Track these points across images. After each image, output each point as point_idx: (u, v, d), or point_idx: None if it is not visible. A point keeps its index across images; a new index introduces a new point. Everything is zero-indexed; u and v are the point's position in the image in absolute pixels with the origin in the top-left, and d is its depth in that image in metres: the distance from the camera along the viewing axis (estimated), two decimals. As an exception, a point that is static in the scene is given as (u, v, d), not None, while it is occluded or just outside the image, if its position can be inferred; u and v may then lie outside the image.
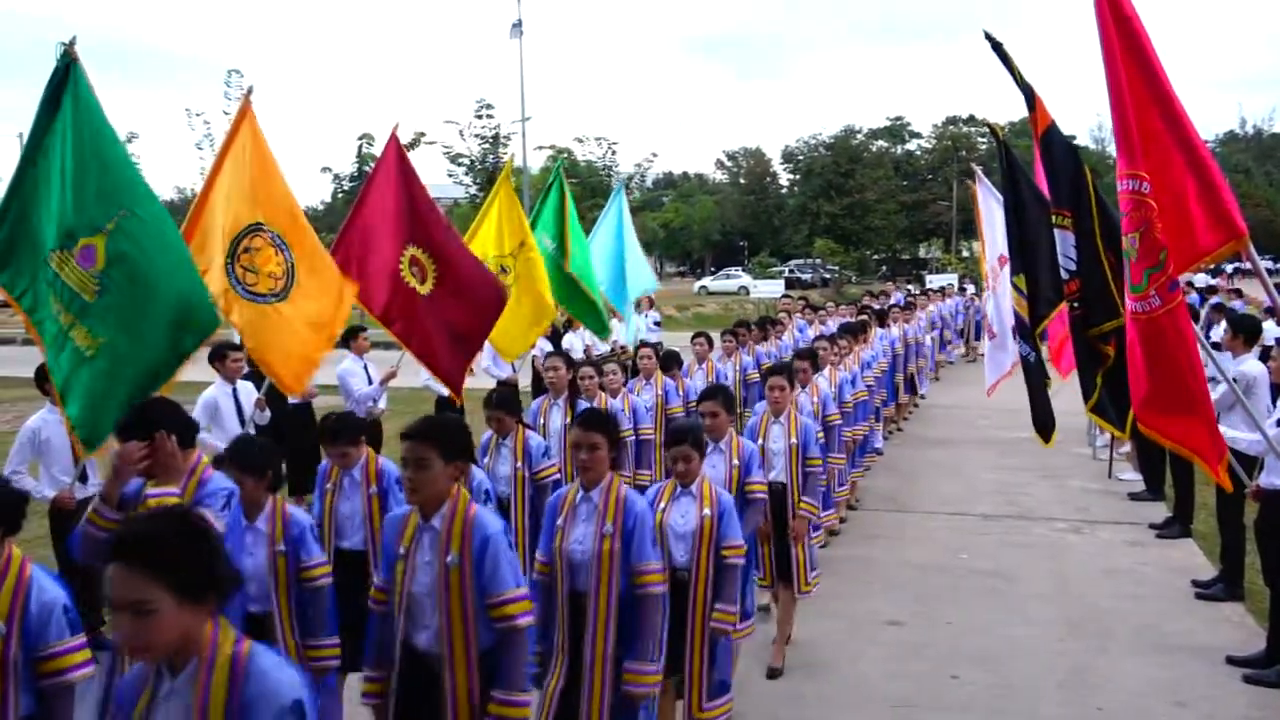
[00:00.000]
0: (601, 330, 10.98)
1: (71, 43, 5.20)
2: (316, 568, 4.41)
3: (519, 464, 6.02)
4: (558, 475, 6.22)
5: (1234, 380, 6.05)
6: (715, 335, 10.76)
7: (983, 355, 20.20)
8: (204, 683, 2.19)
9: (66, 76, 5.17)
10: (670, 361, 8.94)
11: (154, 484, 3.87)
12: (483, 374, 10.90)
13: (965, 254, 54.58)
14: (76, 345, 5.06)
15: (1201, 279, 19.38)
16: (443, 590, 3.47)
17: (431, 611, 3.51)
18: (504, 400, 6.20)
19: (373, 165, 7.43)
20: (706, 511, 4.57)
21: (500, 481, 5.96)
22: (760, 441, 6.13)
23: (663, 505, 4.64)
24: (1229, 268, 21.38)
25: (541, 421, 7.07)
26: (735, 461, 5.35)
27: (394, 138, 7.32)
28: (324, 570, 4.45)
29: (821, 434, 6.60)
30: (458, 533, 3.49)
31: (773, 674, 5.91)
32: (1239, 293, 18.16)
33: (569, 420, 6.74)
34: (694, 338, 10.38)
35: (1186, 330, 4.68)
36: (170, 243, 5.44)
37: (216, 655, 2.22)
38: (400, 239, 7.09)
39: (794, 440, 6.14)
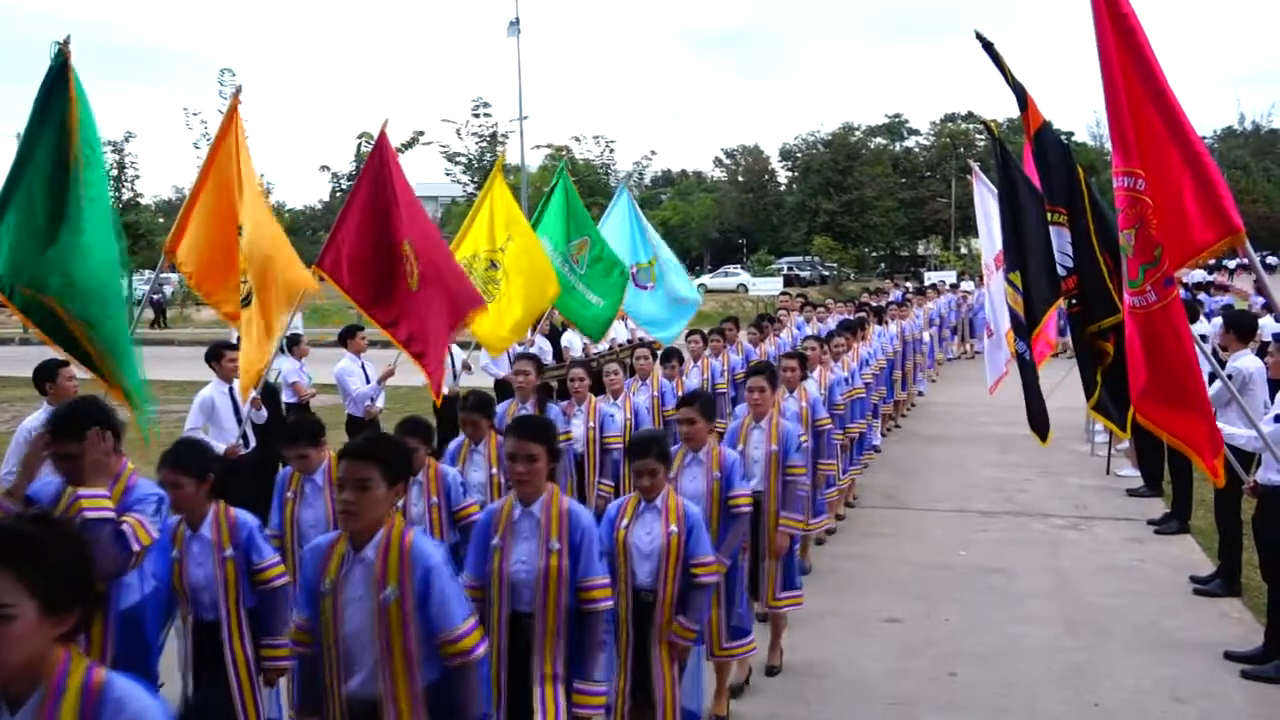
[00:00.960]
0: (594, 333, 10.89)
1: (65, 41, 5.19)
2: (270, 568, 4.24)
3: (494, 470, 5.75)
4: None
5: (1229, 376, 6.05)
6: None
7: (979, 353, 20.37)
8: (49, 716, 1.93)
9: (60, 75, 5.17)
10: (671, 356, 8.85)
11: (85, 485, 3.60)
12: (481, 372, 10.90)
13: (964, 251, 54.58)
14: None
15: (1199, 275, 19.34)
16: (380, 628, 3.17)
17: (366, 652, 3.20)
18: (481, 402, 5.98)
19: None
20: (673, 528, 4.28)
21: (474, 490, 5.64)
22: (740, 448, 5.85)
23: (625, 522, 4.33)
24: (1231, 264, 21.36)
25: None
26: (716, 473, 5.02)
27: (382, 134, 7.28)
28: (278, 570, 4.27)
29: (807, 438, 6.37)
30: (395, 564, 3.16)
31: (771, 671, 5.84)
32: (1223, 287, 18.18)
33: None
34: (688, 336, 10.22)
35: (1182, 326, 4.68)
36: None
37: (66, 685, 1.96)
38: (394, 236, 7.03)
39: (775, 447, 5.79)
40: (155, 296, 36.92)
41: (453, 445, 6.05)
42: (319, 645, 3.28)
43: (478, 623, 3.30)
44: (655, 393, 8.40)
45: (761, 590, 5.74)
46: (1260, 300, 17.17)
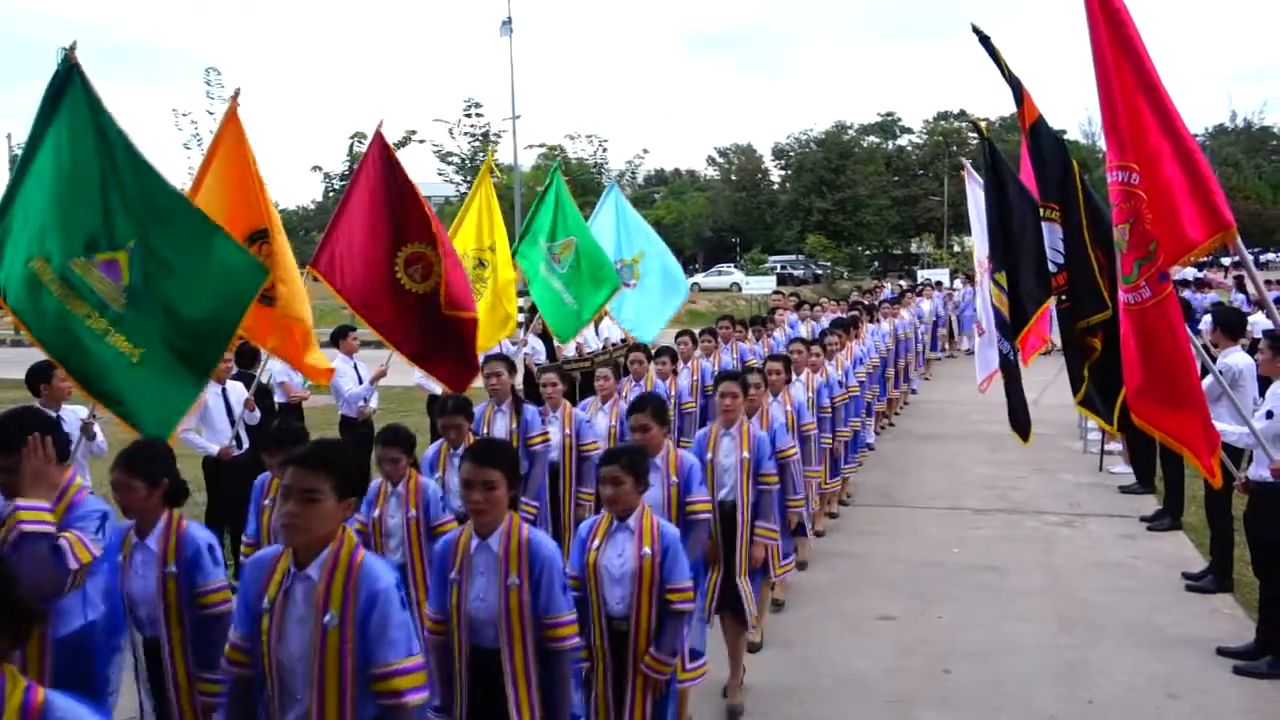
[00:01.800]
0: (562, 333, 10.77)
1: (72, 47, 5.19)
2: (214, 593, 3.88)
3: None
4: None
5: (1220, 373, 6.06)
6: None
7: (965, 351, 20.49)
8: None
9: (68, 81, 5.16)
10: (663, 354, 8.70)
11: (24, 497, 3.41)
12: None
13: (957, 249, 54.66)
14: (120, 350, 5.24)
15: (1190, 273, 19.43)
16: (317, 657, 2.85)
17: (304, 683, 2.89)
18: (462, 404, 5.82)
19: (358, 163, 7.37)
20: (646, 550, 3.95)
21: (454, 495, 5.35)
22: (709, 456, 5.51)
23: (596, 544, 4.01)
24: (1226, 261, 21.47)
25: (485, 430, 6.47)
26: (674, 478, 4.74)
27: (379, 134, 7.26)
28: (222, 596, 3.88)
29: (794, 449, 6.13)
30: (339, 586, 2.86)
31: (733, 714, 5.40)
32: (1206, 283, 18.29)
33: (515, 426, 6.41)
34: (678, 337, 9.96)
35: (1176, 322, 4.68)
36: (196, 252, 5.46)
37: (3, 705, 1.87)
38: (391, 237, 6.99)
39: (745, 454, 5.45)
40: None
41: (429, 452, 5.88)
42: (257, 667, 3.00)
43: (424, 664, 2.97)
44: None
45: (748, 611, 5.45)
46: (1241, 296, 17.31)
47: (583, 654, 3.87)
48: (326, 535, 2.93)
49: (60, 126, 5.17)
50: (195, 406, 5.57)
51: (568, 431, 6.84)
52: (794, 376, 7.67)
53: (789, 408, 6.92)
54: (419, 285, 6.99)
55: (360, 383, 9.14)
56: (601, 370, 7.63)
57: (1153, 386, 4.76)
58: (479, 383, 6.94)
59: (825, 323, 12.12)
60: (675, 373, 8.73)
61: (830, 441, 8.20)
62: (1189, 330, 5.97)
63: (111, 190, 5.20)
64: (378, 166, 7.14)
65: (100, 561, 3.70)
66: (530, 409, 6.54)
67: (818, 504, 8.36)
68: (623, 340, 14.12)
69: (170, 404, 5.36)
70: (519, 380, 12.80)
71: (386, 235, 7.01)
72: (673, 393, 8.38)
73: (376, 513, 4.97)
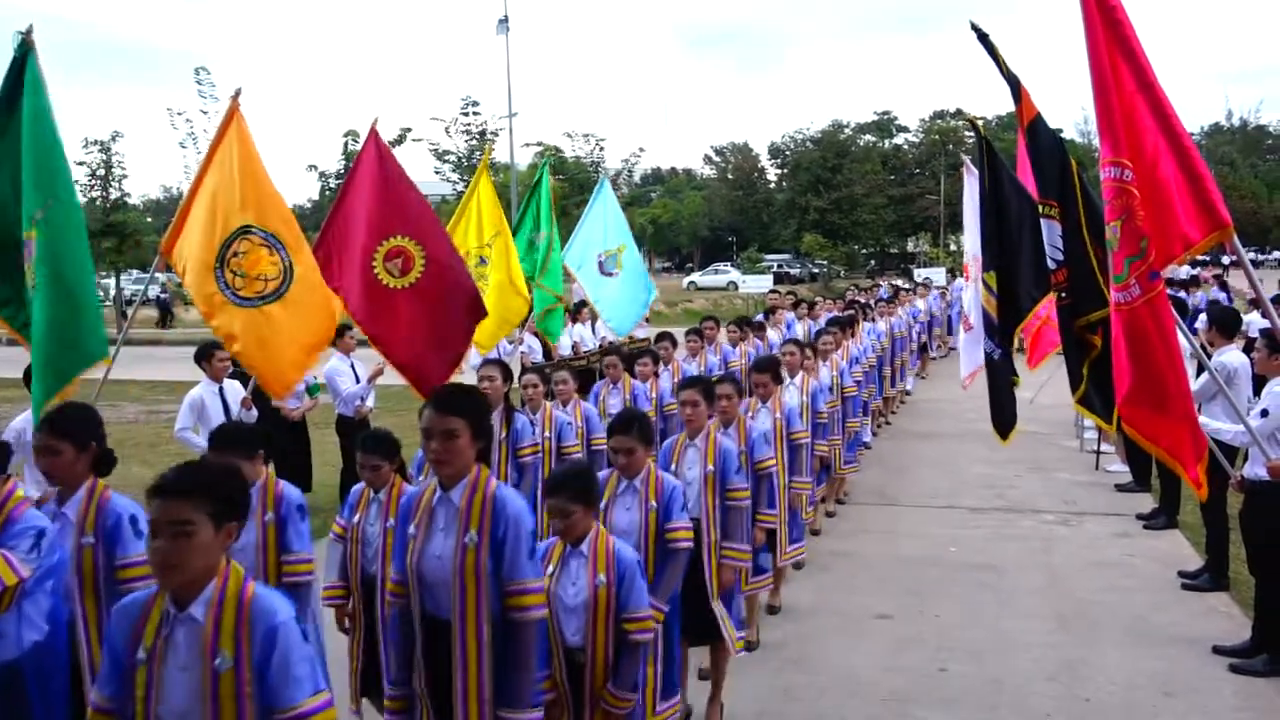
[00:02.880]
0: (552, 333, 10.86)
1: (28, 31, 5.11)
2: (134, 566, 3.59)
3: None
4: None
5: (1215, 371, 6.07)
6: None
7: (953, 349, 20.53)
8: None
9: (24, 65, 5.11)
10: (644, 354, 8.54)
11: None
12: (471, 371, 10.86)
13: (953, 248, 54.69)
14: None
15: (1184, 271, 19.47)
16: (209, 707, 2.53)
17: None
18: (383, 442, 5.30)
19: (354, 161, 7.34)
20: (601, 578, 3.70)
21: (369, 545, 4.97)
22: (672, 468, 5.14)
23: (550, 570, 3.75)
24: (1225, 259, 21.52)
25: None
26: (653, 502, 4.35)
27: (373, 131, 7.23)
28: (143, 571, 3.50)
29: (772, 460, 5.80)
30: (230, 624, 2.54)
31: None
32: (1223, 282, 18.34)
33: (504, 436, 6.09)
34: (657, 339, 9.67)
35: (1167, 321, 4.66)
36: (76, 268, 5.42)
37: None
38: (373, 233, 6.86)
39: (710, 467, 5.06)
40: (163, 296, 36.77)
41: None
42: None
43: (331, 701, 2.66)
44: (628, 396, 8.07)
45: (727, 637, 5.04)
46: (1223, 295, 17.41)
47: (544, 684, 3.67)
48: (207, 570, 2.57)
49: (18, 113, 5.12)
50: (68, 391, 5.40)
51: (548, 434, 6.65)
52: (788, 380, 7.43)
53: (778, 415, 6.57)
54: (397, 280, 6.85)
55: (357, 382, 9.13)
56: (560, 374, 7.36)
57: (1141, 391, 4.73)
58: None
59: (823, 322, 12.08)
60: (656, 375, 8.48)
61: (825, 449, 7.89)
62: (1184, 329, 5.99)
63: (29, 163, 5.15)
64: (371, 165, 7.10)
65: (41, 581, 3.48)
66: (521, 418, 6.35)
67: (811, 515, 8.08)
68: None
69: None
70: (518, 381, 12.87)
71: (370, 231, 6.90)
72: (653, 395, 8.18)
73: (357, 518, 4.75)
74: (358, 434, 5.52)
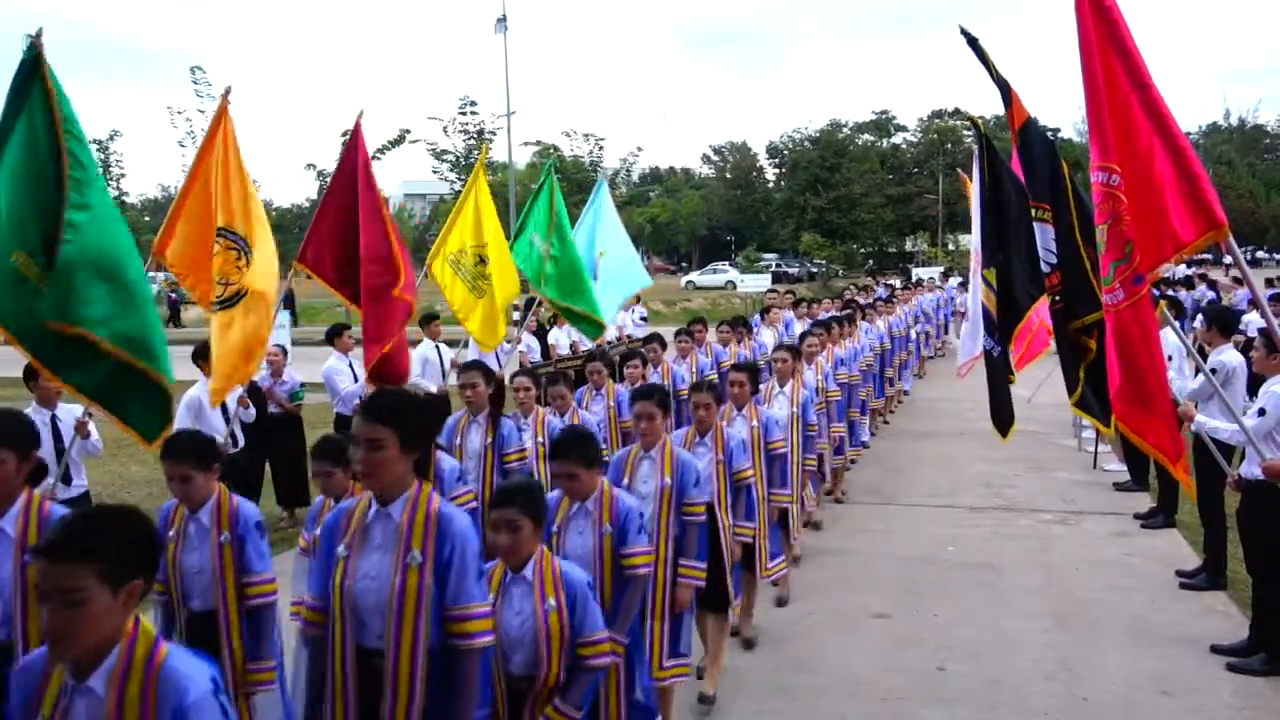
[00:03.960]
0: (592, 331, 10.80)
1: (38, 35, 5.07)
2: None
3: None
4: (475, 503, 5.31)
5: (1212, 371, 6.08)
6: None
7: (946, 343, 20.64)
8: None
9: (34, 69, 5.06)
10: (632, 357, 8.45)
11: None
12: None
13: (951, 247, 54.75)
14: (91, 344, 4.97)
15: (1181, 270, 19.51)
16: None
17: None
18: (333, 449, 4.99)
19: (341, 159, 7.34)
20: (551, 602, 3.43)
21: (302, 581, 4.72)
22: (625, 482, 4.78)
23: (492, 598, 3.39)
24: (1227, 259, 21.55)
25: (458, 442, 5.95)
26: (607, 526, 4.05)
27: (357, 126, 7.22)
28: None
29: (750, 471, 5.60)
30: (134, 698, 2.23)
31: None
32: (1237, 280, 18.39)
33: (490, 441, 5.86)
34: (645, 342, 9.57)
35: (1150, 326, 4.68)
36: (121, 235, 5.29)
37: None
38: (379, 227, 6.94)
39: (667, 480, 4.75)
40: (171, 295, 36.72)
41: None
42: None
43: None
44: (611, 403, 7.91)
45: (645, 656, 4.62)
46: (1211, 294, 17.46)
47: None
48: (108, 638, 2.25)
49: (28, 116, 5.04)
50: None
51: (540, 439, 6.52)
52: (778, 389, 7.22)
53: (755, 423, 6.20)
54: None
55: (355, 381, 9.13)
56: (521, 380, 6.91)
57: (1130, 391, 4.77)
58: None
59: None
60: (645, 378, 8.29)
61: (814, 463, 7.55)
62: (1177, 329, 6.00)
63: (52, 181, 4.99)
64: (354, 157, 7.11)
65: None
66: (508, 422, 6.13)
67: (802, 519, 7.92)
68: (617, 338, 14.18)
69: (148, 402, 5.19)
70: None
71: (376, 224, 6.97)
72: None
73: (318, 531, 4.62)
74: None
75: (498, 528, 3.43)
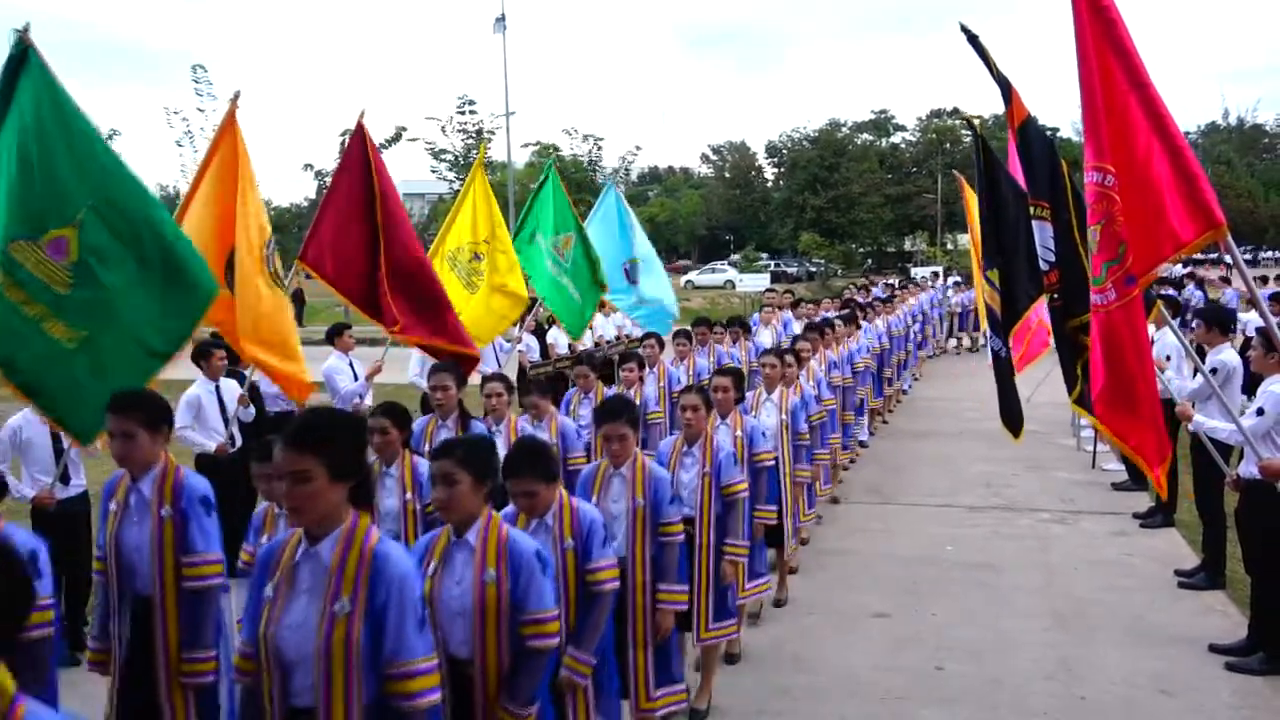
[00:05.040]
0: (575, 330, 10.79)
1: (25, 29, 5.01)
2: (41, 610, 3.21)
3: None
4: None
5: (1212, 371, 6.07)
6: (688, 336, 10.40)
7: (954, 350, 20.73)
8: None
9: (22, 63, 5.01)
10: (629, 359, 8.20)
11: None
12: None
13: (950, 247, 54.75)
14: (54, 338, 4.89)
15: (1179, 270, 19.50)
16: None
17: None
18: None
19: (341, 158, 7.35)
20: (491, 572, 3.16)
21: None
22: (595, 499, 4.47)
23: (432, 566, 3.22)
24: (1227, 259, 21.49)
25: (426, 447, 5.67)
26: (569, 541, 3.76)
27: (360, 125, 7.23)
28: (43, 617, 3.19)
29: (743, 484, 5.30)
30: None
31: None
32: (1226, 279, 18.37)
33: None
34: (643, 339, 9.37)
35: (1140, 327, 4.68)
36: (155, 230, 5.23)
37: None
38: (373, 224, 6.97)
39: (640, 500, 4.44)
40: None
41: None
42: None
43: None
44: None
45: (631, 690, 4.44)
46: (1200, 293, 17.45)
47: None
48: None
49: (16, 112, 4.98)
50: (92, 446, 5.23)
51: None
52: (765, 396, 7.00)
53: (739, 432, 5.86)
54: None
55: (355, 380, 9.13)
56: (493, 386, 6.44)
57: (1115, 392, 4.75)
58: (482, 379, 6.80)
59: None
60: (641, 380, 8.04)
61: (807, 474, 7.31)
62: (1174, 328, 6.01)
63: (64, 165, 4.93)
64: (358, 156, 7.11)
65: None
66: (478, 424, 5.91)
67: (794, 547, 7.60)
68: (616, 337, 14.17)
69: (93, 403, 4.80)
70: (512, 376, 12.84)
71: (370, 222, 6.98)
72: (638, 401, 7.65)
73: (264, 539, 4.26)
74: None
75: (434, 480, 3.21)
